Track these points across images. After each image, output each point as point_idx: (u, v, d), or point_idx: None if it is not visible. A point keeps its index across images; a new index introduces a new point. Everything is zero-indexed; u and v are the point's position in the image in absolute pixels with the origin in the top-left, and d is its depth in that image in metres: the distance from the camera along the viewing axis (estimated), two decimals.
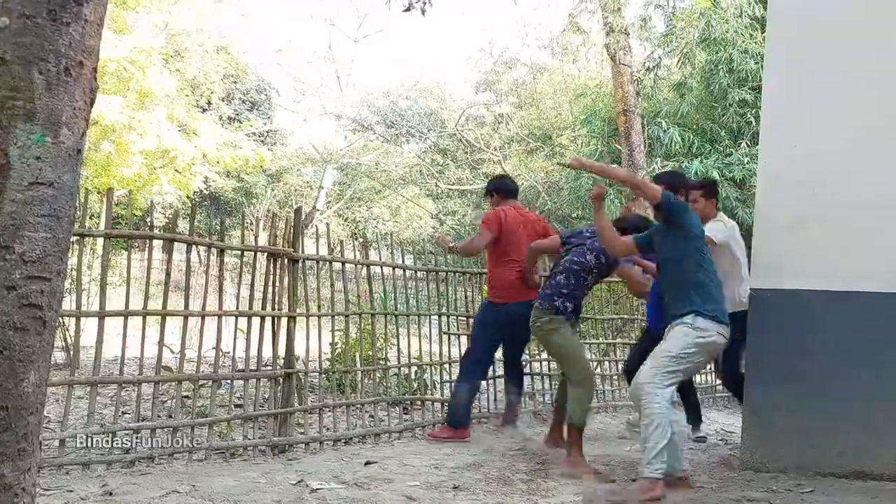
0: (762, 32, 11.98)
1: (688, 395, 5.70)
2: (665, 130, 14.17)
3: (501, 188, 5.57)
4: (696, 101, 14.82)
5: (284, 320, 4.82)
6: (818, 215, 4.33)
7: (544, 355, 7.43)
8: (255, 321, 4.78)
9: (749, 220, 12.04)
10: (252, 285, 4.84)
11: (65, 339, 6.87)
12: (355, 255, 5.66)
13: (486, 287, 5.99)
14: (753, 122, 13.10)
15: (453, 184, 23.82)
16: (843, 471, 4.12)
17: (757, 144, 6.04)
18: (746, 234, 5.30)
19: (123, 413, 4.81)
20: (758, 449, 4.36)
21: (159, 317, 4.33)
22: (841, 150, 4.33)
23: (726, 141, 14.03)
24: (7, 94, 1.55)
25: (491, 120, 24.80)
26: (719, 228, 4.90)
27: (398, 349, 5.95)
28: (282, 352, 4.85)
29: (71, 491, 3.38)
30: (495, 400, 6.19)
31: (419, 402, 5.87)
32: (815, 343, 4.30)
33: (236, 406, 4.96)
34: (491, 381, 6.26)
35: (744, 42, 13.61)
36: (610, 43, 14.72)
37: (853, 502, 3.57)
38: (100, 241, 4.44)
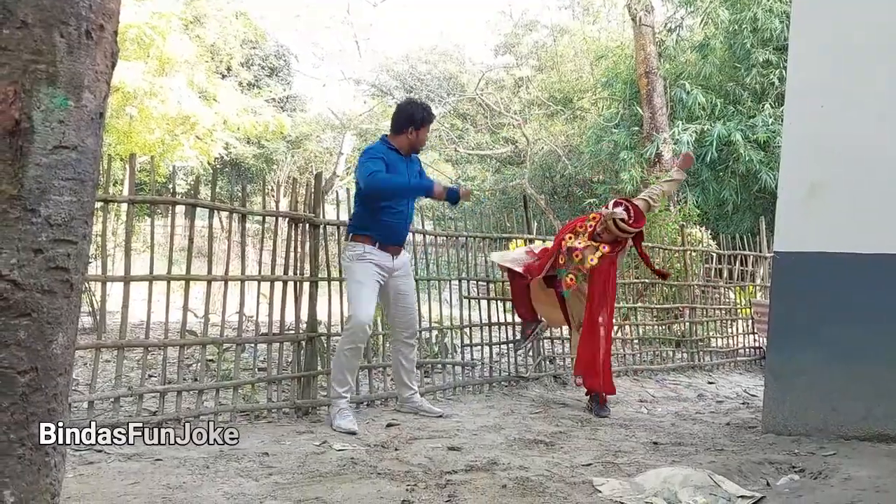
0: None
1: None
2: (688, 92, 13.94)
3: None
4: (719, 62, 14.58)
5: (307, 285, 4.85)
6: (846, 177, 4.24)
7: None
8: (278, 286, 4.82)
9: (773, 182, 11.90)
10: (274, 251, 4.87)
11: (91, 304, 6.98)
12: None
13: None
14: (777, 84, 12.89)
15: (473, 148, 23.68)
16: (867, 434, 4.10)
17: (781, 105, 5.94)
18: (771, 196, 5.23)
19: (150, 376, 4.90)
20: (780, 412, 4.35)
21: (183, 282, 4.38)
22: (869, 109, 4.23)
23: (749, 102, 13.81)
24: (29, 58, 1.54)
25: (511, 83, 24.55)
26: None
27: (419, 313, 5.97)
28: (304, 316, 4.89)
29: (100, 451, 3.46)
30: (515, 364, 6.22)
31: (440, 366, 5.91)
32: (839, 306, 4.25)
33: (260, 369, 5.03)
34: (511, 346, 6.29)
35: (768, 0, 13.32)
36: (631, 3, 14.46)
37: (876, 465, 3.56)
38: (123, 206, 4.47)
